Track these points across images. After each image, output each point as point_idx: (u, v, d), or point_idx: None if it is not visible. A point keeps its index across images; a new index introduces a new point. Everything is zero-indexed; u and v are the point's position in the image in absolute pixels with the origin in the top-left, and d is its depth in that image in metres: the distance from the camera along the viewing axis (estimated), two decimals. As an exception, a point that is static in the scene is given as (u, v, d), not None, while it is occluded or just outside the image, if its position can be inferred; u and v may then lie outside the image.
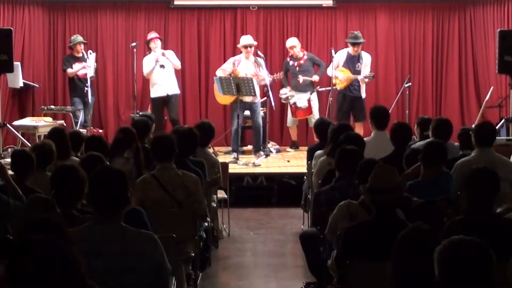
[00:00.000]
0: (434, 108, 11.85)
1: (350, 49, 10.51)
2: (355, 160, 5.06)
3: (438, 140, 5.75)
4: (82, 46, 10.84)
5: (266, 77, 10.22)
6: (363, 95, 10.53)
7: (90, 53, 10.57)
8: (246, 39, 10.51)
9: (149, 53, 10.63)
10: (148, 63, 10.55)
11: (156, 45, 10.52)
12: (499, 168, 5.09)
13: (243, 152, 10.49)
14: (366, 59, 10.56)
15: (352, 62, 10.46)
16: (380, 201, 4.01)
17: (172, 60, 10.55)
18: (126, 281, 3.33)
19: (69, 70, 10.71)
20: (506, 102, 10.65)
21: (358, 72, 10.42)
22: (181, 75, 11.30)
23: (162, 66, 10.46)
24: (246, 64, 10.38)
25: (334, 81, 10.41)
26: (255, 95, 10.06)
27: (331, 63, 10.42)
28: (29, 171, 5.13)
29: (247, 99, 10.20)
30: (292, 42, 10.83)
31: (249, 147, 10.72)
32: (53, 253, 2.59)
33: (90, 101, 10.44)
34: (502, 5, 11.27)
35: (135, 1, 11.81)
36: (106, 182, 3.42)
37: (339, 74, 10.42)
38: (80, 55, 10.78)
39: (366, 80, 10.39)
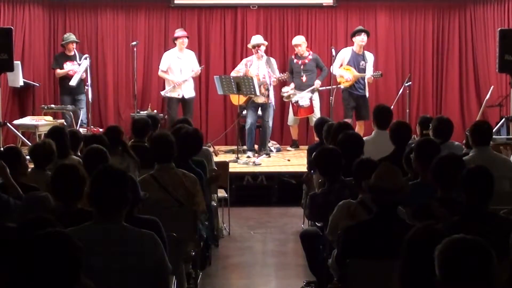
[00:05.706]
0: (435, 107, 11.84)
1: (355, 47, 10.52)
2: (335, 159, 5.07)
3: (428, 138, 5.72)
4: (74, 45, 10.83)
5: (274, 76, 10.22)
6: (368, 93, 10.56)
7: (85, 58, 10.53)
8: (254, 39, 10.51)
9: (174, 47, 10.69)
10: (166, 63, 10.61)
11: (184, 44, 10.59)
12: (498, 167, 5.09)
13: (244, 151, 10.47)
14: (370, 58, 10.57)
15: (356, 61, 10.46)
16: (382, 201, 3.99)
17: (193, 67, 10.64)
18: (126, 280, 3.33)
19: (58, 71, 10.69)
20: (506, 101, 10.64)
21: (363, 71, 10.43)
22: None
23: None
24: (258, 64, 10.35)
25: (338, 79, 10.40)
26: (255, 94, 10.03)
27: (334, 62, 10.41)
28: (21, 167, 5.08)
29: (260, 100, 10.21)
30: (298, 40, 10.76)
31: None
32: (65, 245, 2.63)
33: (90, 100, 10.45)
34: (502, 4, 11.26)
35: (135, 0, 11.80)
36: (107, 182, 3.42)
37: (344, 72, 10.40)
38: (72, 53, 10.76)
39: (372, 78, 10.40)
